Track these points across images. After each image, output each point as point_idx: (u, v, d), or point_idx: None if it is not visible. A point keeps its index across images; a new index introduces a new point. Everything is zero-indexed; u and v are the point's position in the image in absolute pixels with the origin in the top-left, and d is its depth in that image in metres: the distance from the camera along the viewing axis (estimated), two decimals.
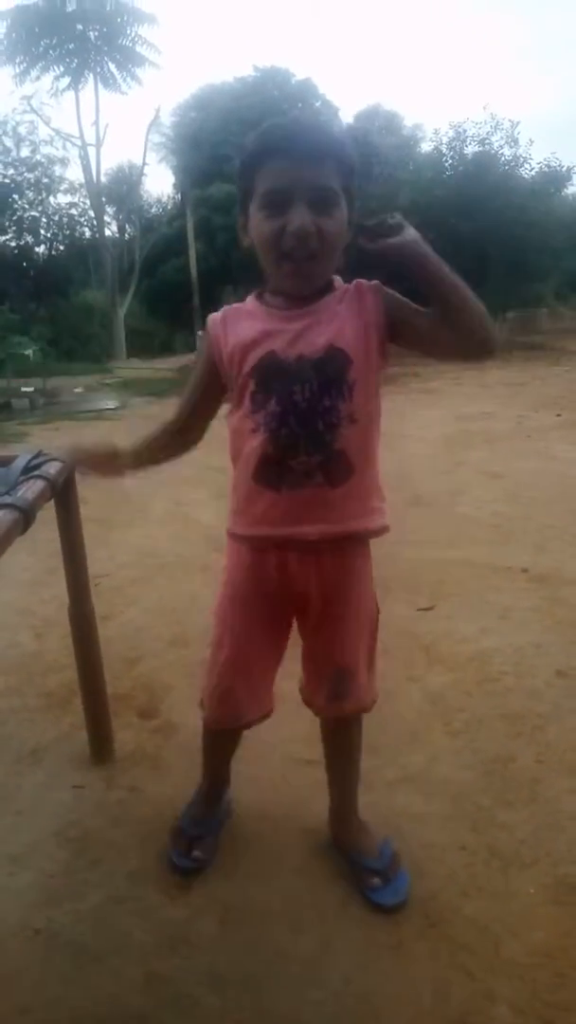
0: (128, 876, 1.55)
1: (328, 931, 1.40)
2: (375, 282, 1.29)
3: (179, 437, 1.46)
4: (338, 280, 1.32)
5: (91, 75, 17.94)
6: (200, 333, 16.67)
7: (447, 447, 5.57)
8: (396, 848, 1.55)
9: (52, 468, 1.45)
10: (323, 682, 1.45)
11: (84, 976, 1.34)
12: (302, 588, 1.36)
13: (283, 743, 1.90)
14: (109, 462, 1.46)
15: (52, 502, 1.55)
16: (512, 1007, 1.23)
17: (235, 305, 1.37)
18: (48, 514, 1.46)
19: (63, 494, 1.62)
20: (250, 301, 1.34)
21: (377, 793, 1.74)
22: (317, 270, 1.23)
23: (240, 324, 1.32)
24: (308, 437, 1.26)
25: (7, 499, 1.20)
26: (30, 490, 1.30)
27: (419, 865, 1.54)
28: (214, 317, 1.36)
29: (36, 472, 1.40)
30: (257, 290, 1.34)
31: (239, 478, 1.36)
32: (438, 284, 1.19)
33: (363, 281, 1.29)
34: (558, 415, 6.77)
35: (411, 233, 1.17)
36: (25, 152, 16.60)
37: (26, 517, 1.19)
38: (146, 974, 1.33)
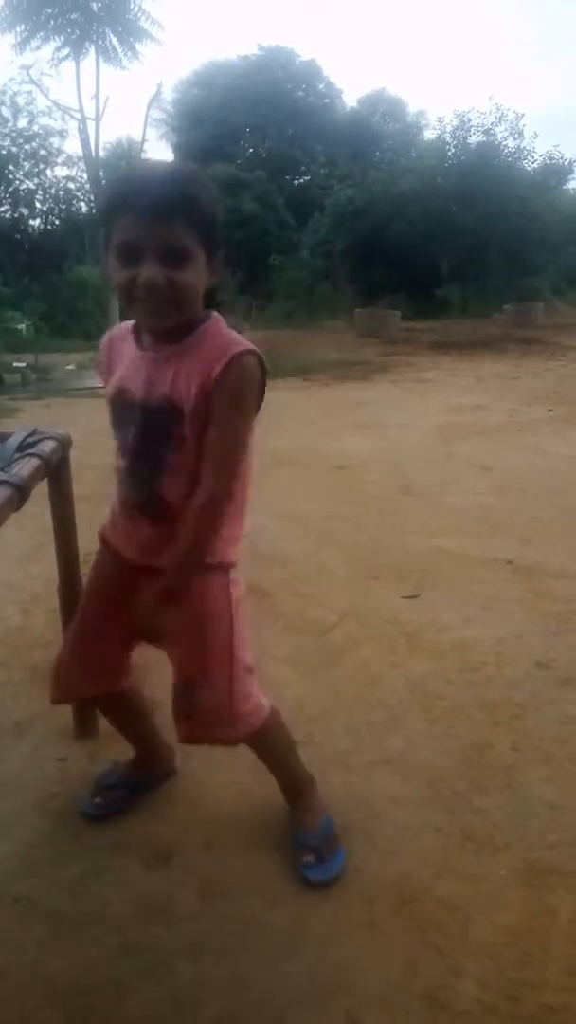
0: (108, 848, 1.58)
1: (303, 906, 1.43)
2: (232, 355, 1.24)
3: None
4: (214, 323, 1.31)
5: (92, 47, 17.64)
6: None
7: (439, 438, 5.60)
8: (336, 830, 1.58)
9: (47, 446, 1.47)
10: (176, 696, 1.46)
11: (63, 943, 1.37)
12: (135, 597, 1.39)
13: None
14: None
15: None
16: (479, 983, 1.27)
17: (123, 326, 1.43)
18: (36, 490, 1.47)
19: (57, 472, 1.63)
20: (131, 330, 1.39)
21: (356, 775, 1.78)
22: (171, 314, 1.25)
23: (116, 351, 1.41)
24: (134, 475, 1.37)
25: (2, 476, 1.21)
26: (25, 468, 1.31)
27: (394, 846, 1.57)
28: (104, 339, 1.46)
29: (31, 450, 1.41)
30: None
31: (117, 490, 1.45)
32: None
33: (227, 347, 1.25)
34: (550, 410, 6.80)
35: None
36: (23, 123, 16.36)
37: (21, 494, 1.20)
38: (124, 943, 1.36)
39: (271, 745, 1.58)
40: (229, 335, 1.29)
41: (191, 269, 1.22)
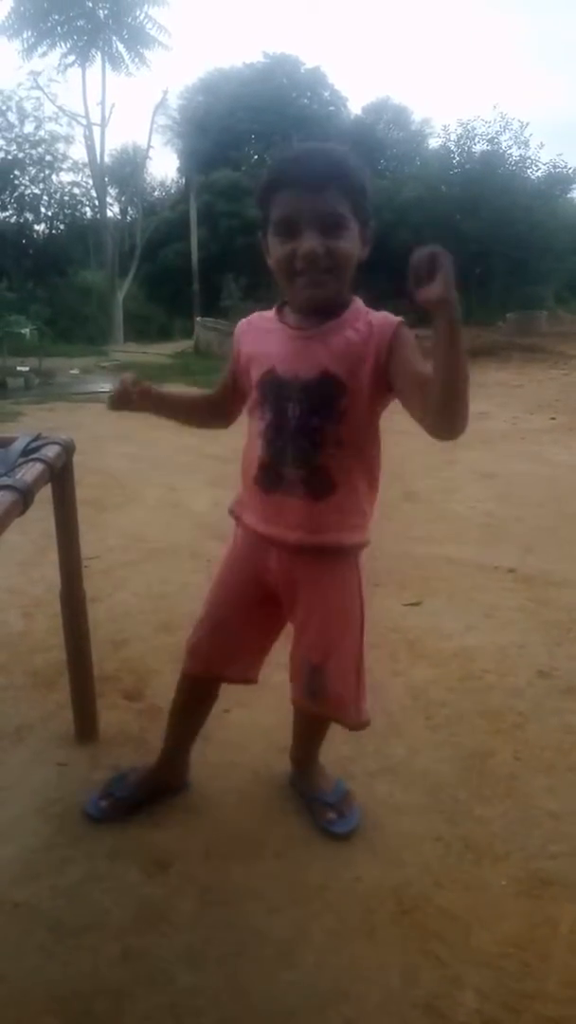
0: (108, 854, 1.58)
1: (303, 914, 1.43)
2: (397, 322, 1.31)
3: (212, 410, 1.61)
4: (357, 303, 1.36)
5: (98, 54, 17.76)
6: (199, 319, 16.61)
7: (441, 445, 5.56)
8: (348, 788, 1.71)
9: (51, 451, 1.47)
10: (300, 677, 1.52)
11: (62, 949, 1.36)
12: (277, 582, 1.47)
13: (266, 731, 1.94)
14: (151, 396, 1.48)
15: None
16: (478, 993, 1.26)
17: (259, 314, 1.47)
18: (39, 495, 1.48)
19: (60, 477, 1.63)
20: (271, 312, 1.43)
21: (357, 783, 1.77)
22: (331, 283, 1.29)
23: (256, 335, 1.44)
24: (295, 452, 1.36)
25: (6, 481, 1.22)
26: (29, 472, 1.31)
27: (395, 854, 1.57)
28: (240, 324, 1.49)
29: (35, 455, 1.41)
30: (280, 302, 1.41)
31: (245, 471, 1.47)
32: (447, 365, 1.13)
33: (387, 317, 1.32)
34: (553, 418, 6.81)
35: (453, 293, 1.07)
36: (29, 128, 16.45)
37: (24, 499, 1.21)
38: (123, 949, 1.36)
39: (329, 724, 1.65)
40: (379, 312, 1.34)
41: (347, 238, 1.26)
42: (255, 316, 1.48)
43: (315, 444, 1.35)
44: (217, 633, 1.56)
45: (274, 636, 1.59)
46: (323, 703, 1.52)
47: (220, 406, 1.58)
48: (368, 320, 1.32)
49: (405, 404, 1.28)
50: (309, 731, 1.70)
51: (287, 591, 1.47)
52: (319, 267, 1.25)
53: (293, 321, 1.37)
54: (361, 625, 1.49)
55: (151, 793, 1.71)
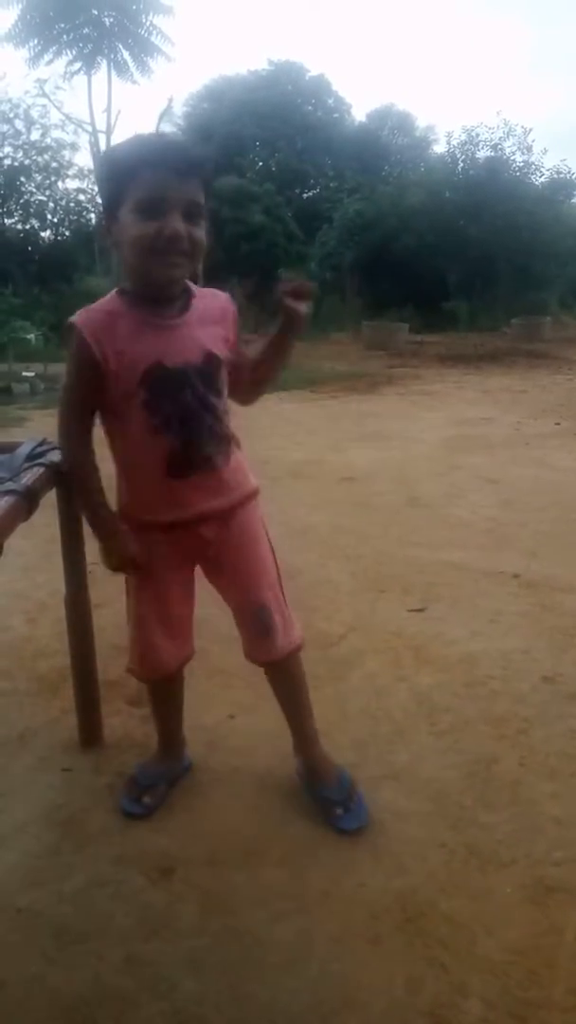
0: (112, 860, 1.57)
1: (307, 922, 1.42)
2: (235, 305, 1.54)
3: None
4: (192, 285, 1.47)
5: (104, 61, 17.84)
6: None
7: (445, 450, 5.59)
8: (352, 777, 1.73)
9: (56, 456, 1.47)
10: (249, 624, 1.63)
11: (65, 956, 1.36)
12: (209, 551, 1.58)
13: (270, 737, 1.93)
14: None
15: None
16: (484, 1001, 1.26)
17: (99, 310, 1.41)
18: (44, 499, 1.48)
19: (65, 483, 1.64)
20: (113, 302, 1.43)
21: (361, 788, 1.76)
22: (187, 267, 1.38)
23: (114, 334, 1.38)
24: (205, 432, 1.47)
25: (11, 485, 1.22)
26: (34, 477, 1.32)
27: (399, 861, 1.56)
28: (86, 327, 1.38)
29: (40, 460, 1.41)
30: (117, 288, 1.46)
31: (143, 476, 1.50)
32: (280, 361, 1.59)
33: (226, 296, 1.54)
34: (557, 424, 6.80)
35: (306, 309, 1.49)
36: (35, 135, 16.52)
37: (30, 504, 1.21)
38: (126, 956, 1.35)
39: (300, 668, 1.72)
40: (208, 289, 1.52)
41: (203, 228, 1.36)
42: (95, 314, 1.41)
43: (216, 418, 1.48)
44: (163, 629, 1.64)
45: (194, 601, 1.69)
46: (274, 637, 1.62)
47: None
48: (216, 297, 1.51)
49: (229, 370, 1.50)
50: (282, 683, 1.73)
51: (214, 556, 1.59)
52: (181, 249, 1.32)
53: (151, 310, 1.41)
54: (274, 556, 1.65)
55: (173, 771, 1.79)
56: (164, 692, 1.78)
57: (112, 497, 1.54)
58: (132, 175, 1.30)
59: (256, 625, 1.62)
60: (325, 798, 1.69)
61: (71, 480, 1.53)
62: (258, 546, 1.62)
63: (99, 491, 1.50)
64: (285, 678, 1.72)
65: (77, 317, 1.39)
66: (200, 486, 1.50)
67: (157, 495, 1.50)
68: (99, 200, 18.34)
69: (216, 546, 1.57)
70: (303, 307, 1.48)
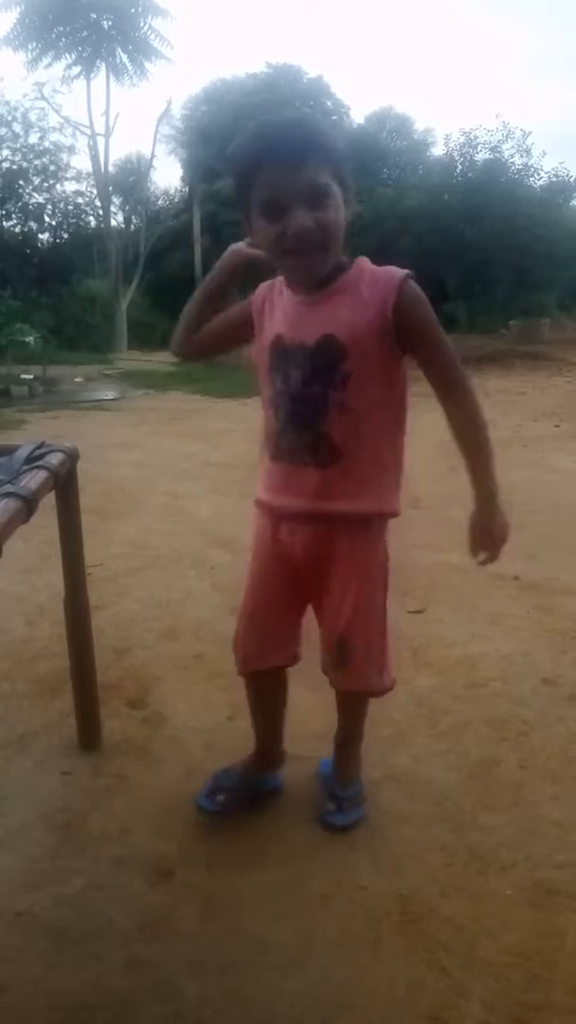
0: (112, 863, 1.57)
1: (307, 924, 1.42)
2: (401, 276, 1.31)
3: (188, 337, 1.53)
4: (361, 262, 1.36)
5: (103, 65, 17.87)
6: None
7: (444, 452, 5.56)
8: (364, 792, 1.71)
9: (55, 459, 1.47)
10: (328, 649, 1.55)
11: (65, 959, 1.36)
12: (292, 554, 1.48)
13: None
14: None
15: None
16: (484, 1004, 1.25)
17: (275, 282, 1.45)
18: (43, 502, 1.48)
19: (64, 485, 1.64)
20: (283, 281, 1.42)
21: (367, 807, 1.76)
22: (323, 258, 1.30)
23: (270, 300, 1.44)
24: (298, 419, 1.37)
25: (10, 488, 1.22)
26: (33, 480, 1.31)
27: (400, 863, 1.56)
28: (262, 287, 1.47)
29: (39, 462, 1.41)
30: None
31: (262, 444, 1.48)
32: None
33: (390, 272, 1.33)
34: (556, 426, 6.81)
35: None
36: (34, 139, 16.55)
37: (29, 507, 1.21)
38: (127, 959, 1.35)
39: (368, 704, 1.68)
40: (383, 267, 1.35)
41: (332, 208, 1.26)
42: (276, 283, 1.45)
43: (318, 410, 1.35)
44: (251, 624, 1.57)
45: (303, 609, 1.59)
46: (346, 675, 1.55)
47: (198, 338, 1.52)
48: (374, 277, 1.33)
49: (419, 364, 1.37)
50: (344, 708, 1.69)
51: (305, 563, 1.48)
52: (311, 243, 1.26)
53: (298, 287, 1.38)
54: (385, 594, 1.53)
55: (257, 783, 1.72)
56: (255, 693, 1.69)
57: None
58: (249, 178, 1.26)
59: (333, 654, 1.54)
60: (327, 791, 1.69)
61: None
62: (352, 574, 1.47)
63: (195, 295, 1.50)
64: (348, 708, 1.69)
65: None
66: (287, 476, 1.42)
67: (262, 469, 1.48)
68: (98, 203, 18.35)
69: (292, 551, 1.47)
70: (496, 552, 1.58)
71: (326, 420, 1.35)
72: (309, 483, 1.40)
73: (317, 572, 1.49)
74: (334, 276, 1.34)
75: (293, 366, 1.36)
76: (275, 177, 1.23)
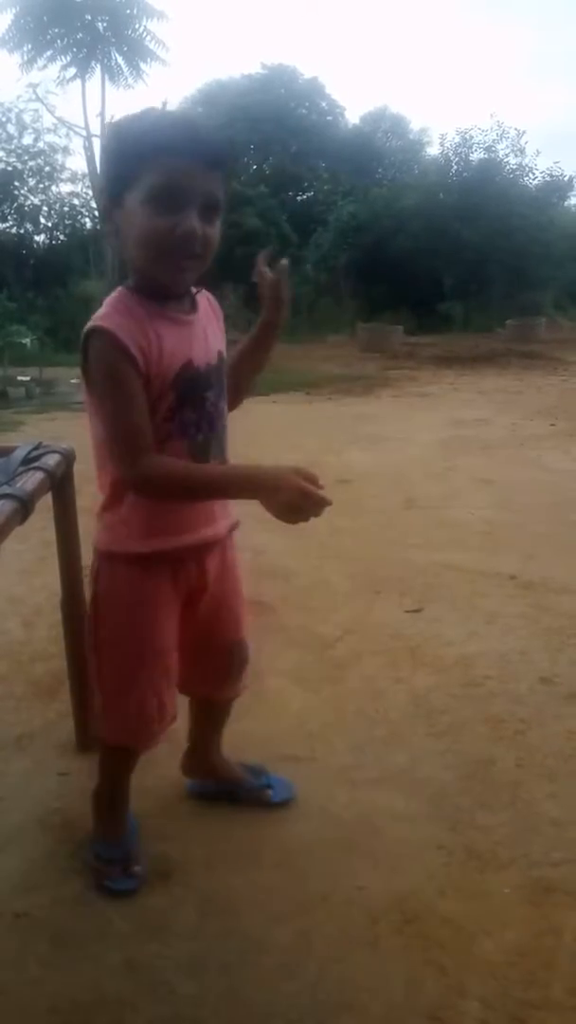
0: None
1: (305, 924, 1.42)
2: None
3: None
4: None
5: (98, 66, 17.87)
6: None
7: (441, 451, 5.60)
8: (255, 762, 1.77)
9: (51, 460, 1.47)
10: (221, 662, 1.55)
11: (63, 960, 1.35)
12: (203, 581, 1.42)
13: (263, 741, 1.93)
14: None
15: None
16: (483, 1003, 1.26)
17: (114, 309, 1.22)
18: (39, 503, 1.48)
19: (61, 486, 1.64)
20: (126, 299, 1.24)
21: (359, 791, 1.77)
22: (197, 270, 1.22)
23: (145, 333, 1.21)
24: (217, 441, 1.35)
25: (7, 489, 1.22)
26: (30, 481, 1.31)
27: (397, 863, 1.56)
28: (119, 330, 1.17)
29: (36, 464, 1.41)
30: (123, 286, 1.26)
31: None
32: (264, 357, 1.48)
33: (212, 297, 1.39)
34: (552, 424, 6.81)
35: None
36: (28, 140, 16.55)
37: (25, 508, 1.21)
38: (125, 960, 1.35)
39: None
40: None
41: (218, 226, 1.20)
42: (117, 316, 1.20)
43: (224, 426, 1.37)
44: (167, 688, 1.44)
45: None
46: (238, 679, 1.58)
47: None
48: (208, 299, 1.38)
49: None
50: (222, 717, 1.70)
51: (197, 589, 1.41)
52: (193, 252, 1.16)
53: (172, 306, 1.27)
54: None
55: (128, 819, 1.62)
56: (135, 761, 1.55)
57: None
58: (149, 156, 1.11)
59: (234, 661, 1.56)
60: (252, 786, 1.72)
61: (196, 497, 1.31)
62: (236, 577, 1.51)
63: (214, 466, 1.31)
64: (224, 712, 1.70)
65: (103, 321, 1.17)
66: (214, 506, 1.36)
67: (172, 514, 1.32)
68: (93, 204, 18.38)
69: (194, 582, 1.40)
70: (286, 310, 1.42)
71: (226, 434, 1.38)
72: (224, 502, 1.41)
73: (215, 588, 1.43)
74: (192, 295, 1.33)
75: (206, 389, 1.29)
76: (183, 168, 1.11)
